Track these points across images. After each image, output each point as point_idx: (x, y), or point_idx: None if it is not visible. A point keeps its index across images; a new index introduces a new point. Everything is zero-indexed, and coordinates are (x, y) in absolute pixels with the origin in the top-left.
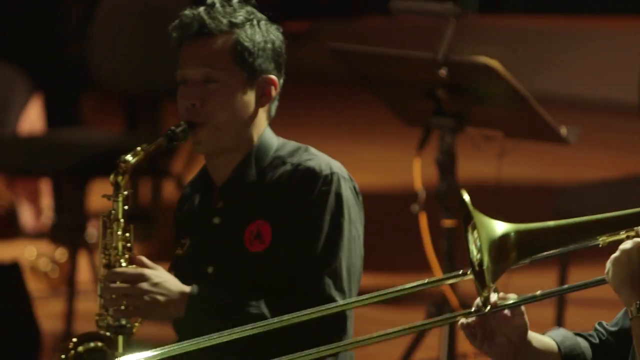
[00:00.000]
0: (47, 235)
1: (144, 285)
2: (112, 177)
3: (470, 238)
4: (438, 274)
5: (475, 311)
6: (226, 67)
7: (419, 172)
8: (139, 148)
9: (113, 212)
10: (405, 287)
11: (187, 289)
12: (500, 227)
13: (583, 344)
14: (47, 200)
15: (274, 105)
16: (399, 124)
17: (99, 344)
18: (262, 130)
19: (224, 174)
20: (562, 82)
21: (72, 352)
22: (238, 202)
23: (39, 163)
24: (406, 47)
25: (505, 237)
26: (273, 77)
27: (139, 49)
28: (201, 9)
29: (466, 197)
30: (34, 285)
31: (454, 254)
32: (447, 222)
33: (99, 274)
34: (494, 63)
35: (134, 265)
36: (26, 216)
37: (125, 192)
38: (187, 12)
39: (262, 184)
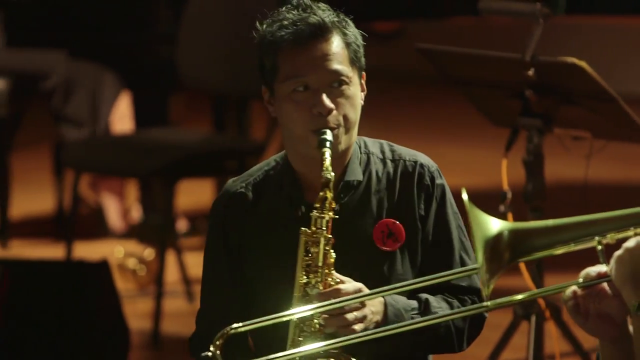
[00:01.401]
0: (136, 235)
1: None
2: (321, 192)
3: None
4: (525, 275)
5: (476, 307)
6: (348, 67)
7: (505, 173)
8: (325, 161)
9: (318, 227)
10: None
11: (380, 299)
12: (495, 226)
13: None
14: (135, 200)
15: None
16: (487, 124)
17: None
18: None
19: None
20: None
21: None
22: (353, 202)
23: (128, 163)
24: (492, 47)
25: (499, 236)
26: (364, 73)
27: (227, 50)
28: (306, 11)
29: (464, 195)
30: (122, 284)
31: None
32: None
33: (298, 292)
34: (582, 63)
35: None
36: (112, 217)
37: (334, 207)
38: (292, 14)
39: (369, 182)
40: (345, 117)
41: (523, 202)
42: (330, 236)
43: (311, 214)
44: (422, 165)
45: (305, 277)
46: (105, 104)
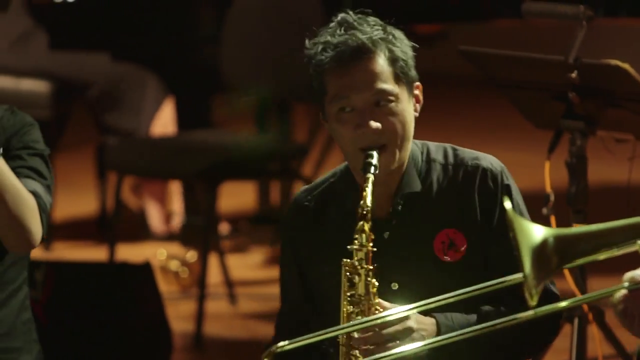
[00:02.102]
0: (178, 237)
1: (412, 325)
2: (359, 224)
3: None
4: (568, 279)
5: (520, 316)
6: (393, 84)
7: (548, 175)
8: (365, 191)
9: (359, 259)
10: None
11: (432, 319)
12: (539, 233)
13: None
14: (177, 203)
15: None
16: (529, 126)
17: None
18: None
19: (389, 188)
20: None
21: None
22: (412, 213)
23: (171, 165)
24: (534, 49)
25: (544, 243)
26: (419, 83)
27: (270, 52)
28: (348, 31)
29: (507, 204)
30: (164, 286)
31: None
32: (577, 226)
33: (344, 322)
34: (626, 66)
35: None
36: (154, 220)
37: (372, 238)
38: (334, 37)
39: (430, 191)
40: (394, 134)
41: (566, 205)
42: (370, 267)
43: (349, 247)
44: (484, 169)
45: (350, 307)
46: (149, 107)
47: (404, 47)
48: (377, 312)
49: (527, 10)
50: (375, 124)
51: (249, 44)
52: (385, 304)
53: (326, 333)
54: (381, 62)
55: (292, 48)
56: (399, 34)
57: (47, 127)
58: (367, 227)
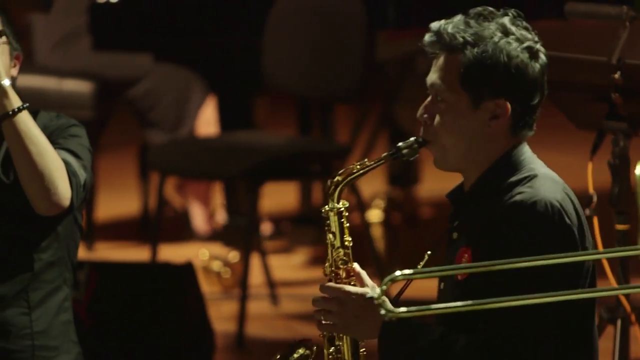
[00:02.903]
0: (220, 238)
1: (343, 299)
2: (327, 186)
3: None
4: (610, 278)
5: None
6: (452, 88)
7: (591, 176)
8: (359, 164)
9: (327, 223)
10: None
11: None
12: None
13: None
14: (219, 203)
15: (521, 124)
16: (571, 127)
17: (307, 351)
18: (498, 152)
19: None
20: None
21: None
22: (465, 226)
23: (213, 166)
24: (576, 50)
25: None
26: (503, 101)
27: (312, 53)
28: (445, 22)
29: (638, 170)
30: (206, 287)
31: (627, 258)
32: (620, 227)
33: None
34: None
35: (353, 278)
36: (197, 220)
37: (340, 205)
38: (435, 23)
39: (483, 207)
40: (435, 135)
41: (609, 206)
42: (336, 232)
43: (322, 210)
44: (514, 202)
45: (325, 269)
46: (191, 108)
47: (495, 59)
48: (339, 277)
49: (570, 10)
50: (422, 112)
51: (291, 44)
52: (364, 277)
53: None
54: (449, 62)
55: (334, 49)
56: (505, 45)
57: (89, 128)
58: (335, 193)
